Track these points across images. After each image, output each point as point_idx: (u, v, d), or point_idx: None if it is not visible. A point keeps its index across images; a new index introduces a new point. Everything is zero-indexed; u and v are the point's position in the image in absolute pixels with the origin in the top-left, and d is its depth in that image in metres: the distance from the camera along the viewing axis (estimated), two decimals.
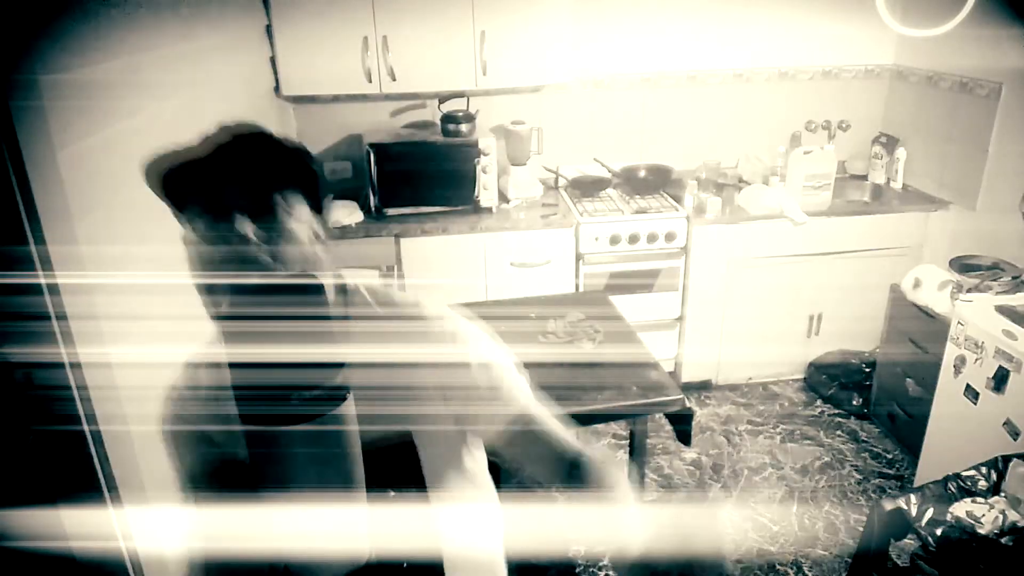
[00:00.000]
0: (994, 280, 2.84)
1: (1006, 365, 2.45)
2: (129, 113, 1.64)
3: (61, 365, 1.24)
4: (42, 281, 1.20)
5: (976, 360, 2.58)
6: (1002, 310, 2.55)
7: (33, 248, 1.18)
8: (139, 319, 1.59)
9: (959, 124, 3.46)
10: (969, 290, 2.82)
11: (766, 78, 3.89)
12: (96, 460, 1.31)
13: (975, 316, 2.59)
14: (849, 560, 2.68)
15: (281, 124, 3.39)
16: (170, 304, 1.79)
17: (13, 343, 1.21)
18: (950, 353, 2.71)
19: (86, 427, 1.30)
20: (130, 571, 1.40)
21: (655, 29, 3.71)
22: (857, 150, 3.98)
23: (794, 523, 2.89)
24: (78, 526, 1.32)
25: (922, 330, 3.09)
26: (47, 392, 1.25)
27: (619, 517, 1.06)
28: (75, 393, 1.26)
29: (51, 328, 1.22)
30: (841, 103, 3.93)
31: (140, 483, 1.45)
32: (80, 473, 1.31)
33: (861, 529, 2.66)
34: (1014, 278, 2.84)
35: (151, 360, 1.64)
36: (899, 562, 2.50)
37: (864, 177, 3.94)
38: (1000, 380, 2.47)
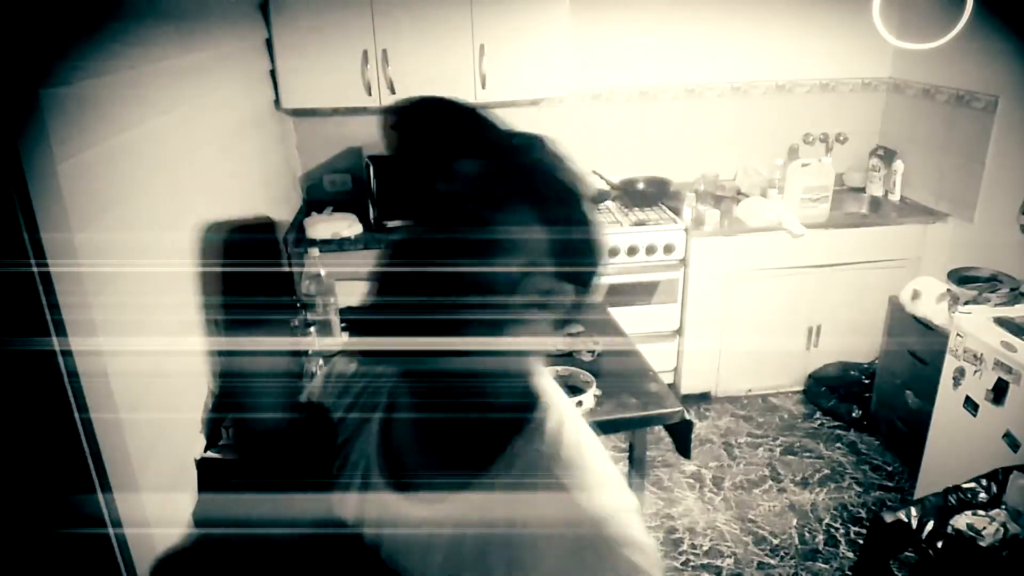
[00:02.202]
0: (992, 292, 2.84)
1: (1005, 377, 2.45)
2: (129, 126, 1.64)
3: (62, 382, 1.24)
4: (42, 296, 1.20)
5: (975, 372, 2.58)
6: (1001, 322, 2.55)
7: (32, 261, 1.18)
8: (139, 335, 1.60)
9: (956, 136, 3.48)
10: (967, 302, 2.83)
11: (764, 91, 3.91)
12: (87, 450, 1.31)
13: (974, 328, 2.59)
14: (850, 573, 2.67)
15: (281, 137, 3.41)
16: (170, 319, 1.79)
17: (13, 361, 1.21)
18: (949, 365, 2.71)
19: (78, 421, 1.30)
20: (120, 560, 1.39)
21: (653, 43, 3.73)
22: (855, 162, 4.00)
23: (794, 536, 2.88)
24: (68, 515, 1.32)
25: (921, 342, 3.09)
26: (41, 392, 1.25)
27: None
28: (71, 396, 1.26)
29: (51, 346, 1.22)
30: (838, 116, 3.94)
31: (131, 472, 1.45)
32: (71, 462, 1.31)
33: (862, 542, 2.65)
34: (1012, 290, 2.84)
35: (148, 370, 1.64)
36: (899, 575, 2.49)
37: (862, 189, 3.95)
38: (999, 392, 2.47)
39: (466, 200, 0.71)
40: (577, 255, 0.74)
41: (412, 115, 0.80)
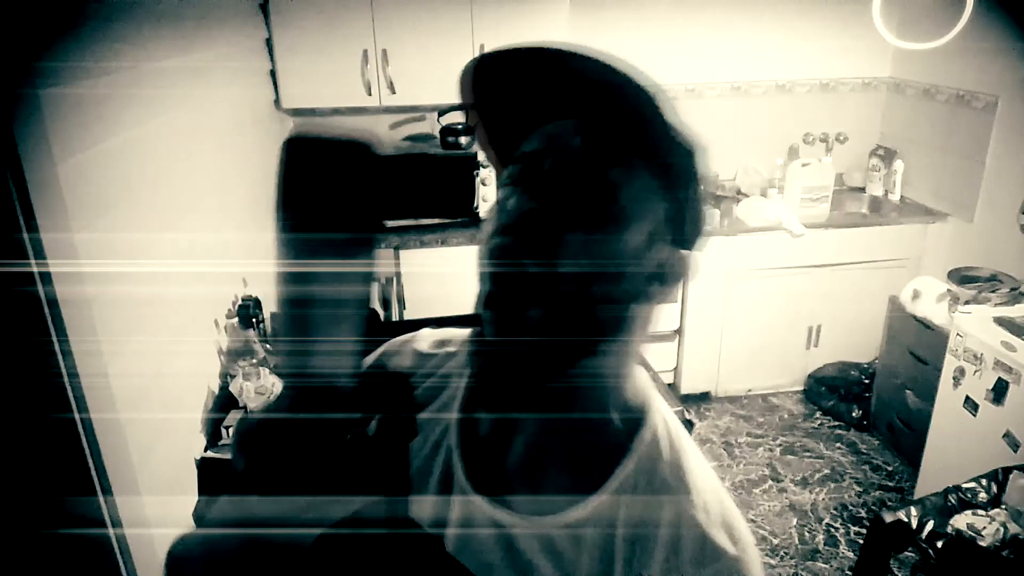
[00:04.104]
0: (992, 292, 2.84)
1: (1005, 377, 2.45)
2: (129, 126, 1.64)
3: (60, 378, 1.24)
4: (41, 295, 1.20)
5: (975, 372, 2.58)
6: (1001, 322, 2.55)
7: (33, 261, 1.18)
8: (139, 335, 1.60)
9: (956, 136, 3.47)
10: (967, 302, 2.83)
11: (764, 91, 3.91)
12: (87, 450, 1.31)
13: (974, 328, 2.59)
14: (849, 573, 2.66)
15: (281, 137, 3.40)
16: (170, 319, 1.79)
17: (12, 357, 1.21)
18: (949, 365, 2.71)
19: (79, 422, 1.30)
20: (119, 560, 1.39)
21: (652, 42, 3.73)
22: (855, 162, 4.00)
23: (794, 536, 2.88)
24: (68, 515, 1.32)
25: (921, 342, 3.09)
26: (41, 393, 1.25)
27: None
28: (71, 396, 1.26)
29: (51, 346, 1.22)
30: (839, 115, 3.94)
31: (131, 472, 1.46)
32: (72, 463, 1.30)
33: (862, 542, 2.65)
34: (1012, 289, 2.84)
35: (148, 370, 1.64)
36: (900, 575, 2.49)
37: (862, 189, 3.95)
38: (999, 392, 2.47)
39: (582, 160, 0.62)
40: (694, 220, 0.67)
41: (505, 66, 0.70)
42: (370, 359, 0.85)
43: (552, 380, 0.65)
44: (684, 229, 0.66)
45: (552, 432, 0.69)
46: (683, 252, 0.67)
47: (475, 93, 0.70)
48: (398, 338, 0.87)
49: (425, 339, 0.85)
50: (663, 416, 0.73)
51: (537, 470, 0.70)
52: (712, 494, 0.70)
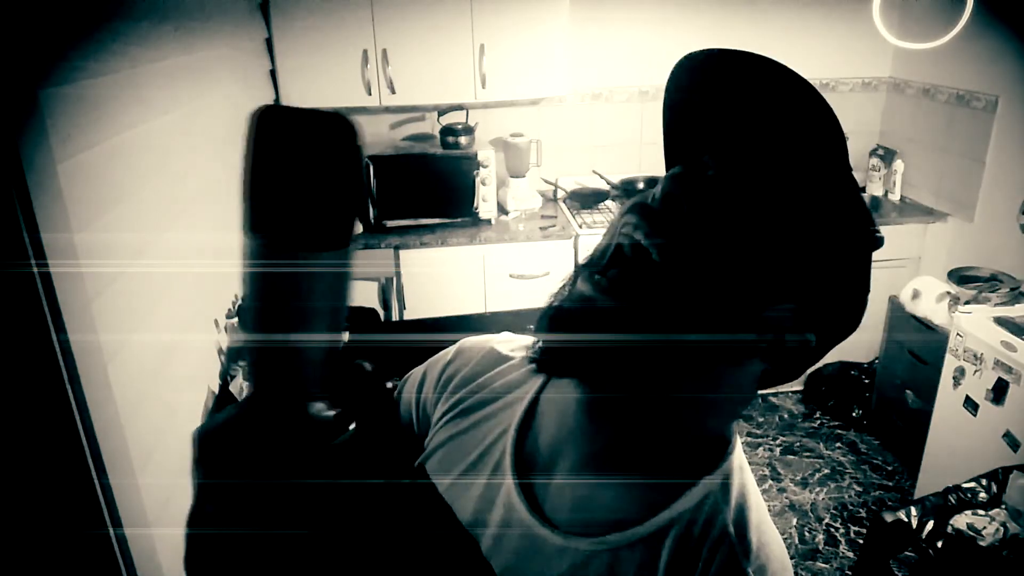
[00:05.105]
0: (992, 291, 2.84)
1: (1005, 376, 2.45)
2: (129, 126, 1.64)
3: (60, 378, 1.24)
4: (41, 295, 1.20)
5: (975, 372, 2.58)
6: (1001, 321, 2.55)
7: (33, 261, 1.18)
8: (139, 334, 1.60)
9: (956, 136, 3.47)
10: (967, 301, 2.83)
11: None
12: (87, 450, 1.31)
13: (974, 327, 2.59)
14: (849, 573, 2.67)
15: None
16: (170, 318, 1.79)
17: (12, 357, 1.21)
18: (949, 365, 2.71)
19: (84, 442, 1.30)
20: (119, 560, 1.40)
21: (653, 42, 3.73)
22: (855, 162, 3.98)
23: (794, 536, 2.88)
24: (68, 514, 1.32)
25: (921, 342, 3.09)
26: (41, 393, 1.25)
27: None
28: (71, 396, 1.26)
29: (51, 346, 1.22)
30: (838, 115, 3.83)
31: (131, 472, 1.46)
32: (72, 463, 1.31)
33: (862, 542, 2.65)
34: (1012, 289, 2.84)
35: (148, 369, 1.64)
36: (900, 575, 2.49)
37: (862, 189, 3.95)
38: (999, 391, 2.47)
39: (749, 186, 0.56)
40: (842, 304, 0.61)
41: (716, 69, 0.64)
42: (444, 354, 0.86)
43: (620, 382, 0.59)
44: (824, 314, 0.59)
45: (612, 449, 0.66)
46: (809, 338, 0.60)
47: (670, 84, 0.65)
48: (477, 336, 0.88)
49: (504, 342, 0.86)
50: (742, 468, 0.68)
51: (587, 486, 0.67)
52: (779, 569, 0.63)
